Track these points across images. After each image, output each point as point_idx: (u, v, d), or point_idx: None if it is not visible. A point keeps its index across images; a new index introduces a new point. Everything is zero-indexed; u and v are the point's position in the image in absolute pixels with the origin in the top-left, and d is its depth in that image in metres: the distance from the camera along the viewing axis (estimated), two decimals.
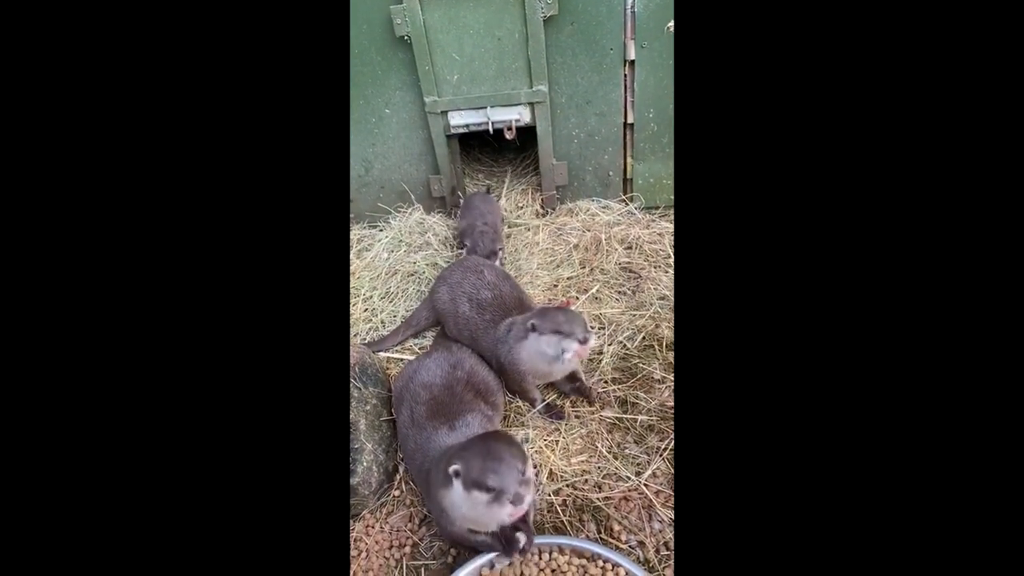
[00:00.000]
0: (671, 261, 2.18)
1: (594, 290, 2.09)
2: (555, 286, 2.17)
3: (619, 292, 2.10)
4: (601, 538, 1.34)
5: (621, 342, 1.87)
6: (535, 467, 1.52)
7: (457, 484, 1.12)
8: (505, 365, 1.61)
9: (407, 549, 1.38)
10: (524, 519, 1.18)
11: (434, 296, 1.89)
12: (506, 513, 1.08)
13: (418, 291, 2.23)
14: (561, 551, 1.25)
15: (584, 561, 1.22)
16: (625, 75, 2.25)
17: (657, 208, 2.50)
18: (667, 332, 1.85)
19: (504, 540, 1.19)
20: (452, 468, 1.12)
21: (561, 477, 1.49)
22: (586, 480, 1.47)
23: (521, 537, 1.19)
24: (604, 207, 2.53)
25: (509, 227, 2.55)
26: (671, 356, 1.77)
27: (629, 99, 2.30)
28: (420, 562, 1.35)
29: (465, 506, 1.13)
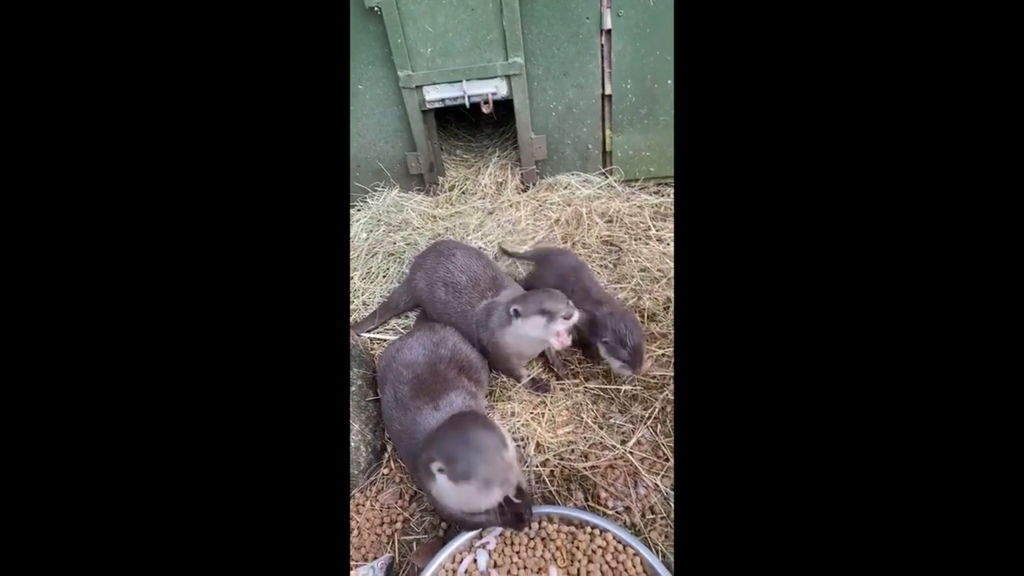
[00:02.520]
0: (651, 233, 2.19)
1: None
2: None
3: (601, 266, 2.11)
4: (588, 505, 1.37)
5: None
6: (522, 440, 1.54)
7: (442, 478, 1.14)
8: (489, 348, 1.62)
9: (398, 525, 1.40)
10: (519, 492, 1.21)
11: (412, 282, 1.87)
12: (497, 497, 1.12)
13: (399, 272, 2.21)
14: (550, 520, 1.28)
15: (572, 528, 1.26)
16: (602, 45, 2.22)
17: (637, 181, 2.50)
18: (648, 303, 1.87)
19: (511, 516, 1.22)
20: (434, 466, 1.13)
21: (548, 448, 1.51)
22: (572, 450, 1.50)
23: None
24: (584, 181, 2.52)
25: (491, 204, 2.53)
26: (653, 327, 1.79)
27: (607, 70, 2.27)
28: (412, 536, 1.37)
29: (454, 496, 1.16)
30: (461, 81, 2.31)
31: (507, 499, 1.17)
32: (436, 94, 2.35)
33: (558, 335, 1.46)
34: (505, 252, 2.17)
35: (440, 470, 1.13)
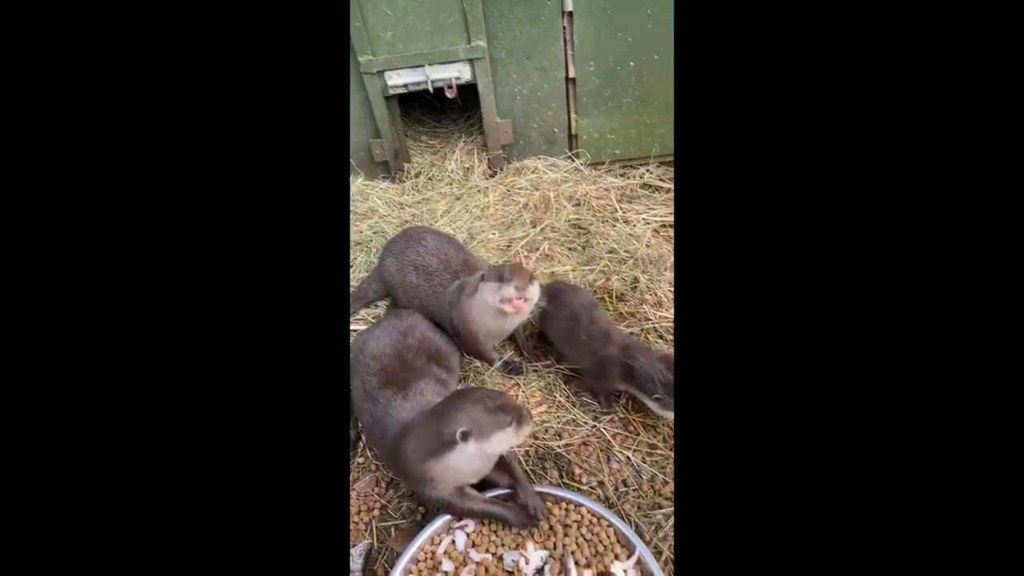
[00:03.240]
0: (618, 215, 2.22)
1: (545, 248, 2.12)
2: (508, 247, 2.18)
3: (569, 248, 2.13)
4: (563, 482, 1.40)
5: None
6: None
7: (468, 445, 1.13)
8: (458, 326, 1.62)
9: (376, 512, 1.40)
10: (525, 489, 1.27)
11: (381, 269, 1.86)
12: (528, 433, 1.19)
13: (367, 261, 2.19)
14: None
15: (548, 504, 1.28)
16: (564, 27, 2.22)
17: (603, 163, 2.52)
18: (616, 284, 1.90)
19: (520, 512, 1.25)
20: (460, 431, 1.12)
21: None
22: (547, 430, 1.53)
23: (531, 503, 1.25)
24: (551, 165, 2.53)
25: (459, 190, 2.52)
26: (621, 307, 1.83)
27: (569, 52, 2.27)
28: (389, 523, 1.38)
29: (469, 461, 1.17)
30: (423, 65, 2.28)
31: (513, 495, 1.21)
32: (398, 79, 2.32)
33: (509, 301, 1.44)
34: None
35: (465, 435, 1.12)
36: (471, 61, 2.27)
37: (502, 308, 1.46)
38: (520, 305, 1.45)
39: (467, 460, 1.16)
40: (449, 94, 2.34)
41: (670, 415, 1.38)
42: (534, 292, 1.48)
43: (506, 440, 1.14)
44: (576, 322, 1.54)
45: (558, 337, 1.61)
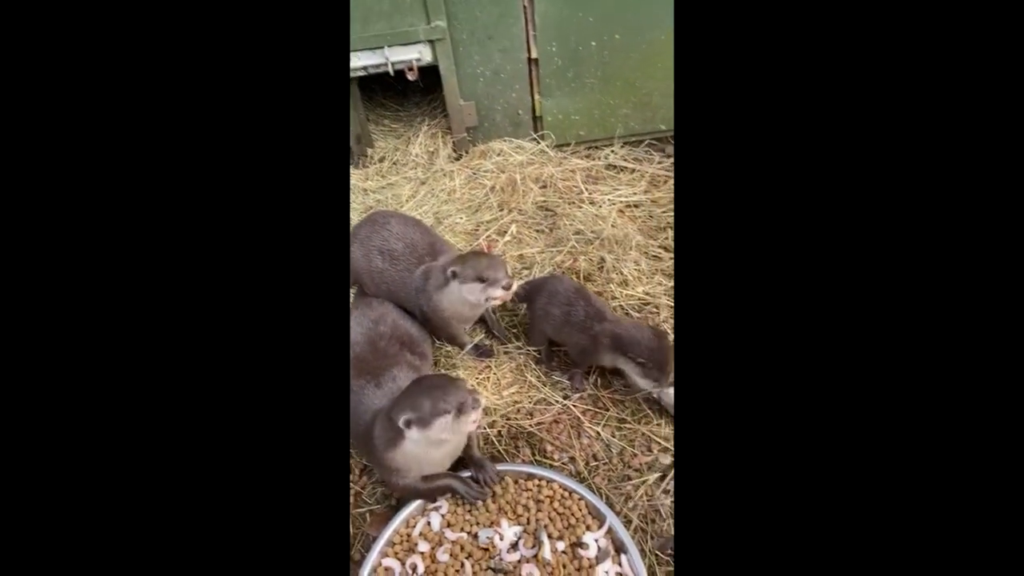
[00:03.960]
0: (584, 196, 2.24)
1: (513, 231, 2.12)
2: (476, 230, 2.17)
3: (537, 231, 2.14)
4: (536, 459, 1.43)
5: None
6: None
7: (412, 434, 1.15)
8: (428, 313, 1.62)
9: (350, 498, 1.41)
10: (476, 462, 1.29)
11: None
12: (473, 420, 1.18)
13: None
14: (501, 478, 1.33)
15: (521, 482, 1.31)
16: (525, 7, 2.19)
17: (568, 145, 2.53)
18: (584, 265, 1.92)
19: (474, 480, 1.28)
20: (403, 420, 1.13)
21: (495, 410, 1.55)
22: (519, 410, 1.55)
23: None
24: (516, 147, 2.52)
25: (424, 174, 2.49)
26: (589, 286, 1.85)
27: (531, 32, 2.26)
28: (364, 508, 1.39)
29: (425, 450, 1.18)
30: (383, 47, 2.22)
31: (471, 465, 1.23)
32: (358, 62, 2.26)
33: (497, 298, 1.48)
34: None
35: (408, 423, 1.13)
36: (431, 42, 2.23)
37: (489, 303, 1.49)
38: (506, 297, 1.49)
39: (419, 448, 1.18)
40: (410, 76, 2.30)
41: (649, 385, 1.40)
42: (515, 284, 1.50)
43: (448, 427, 1.15)
44: (571, 306, 1.53)
45: (554, 326, 1.58)
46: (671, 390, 1.47)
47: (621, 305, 1.77)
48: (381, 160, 2.58)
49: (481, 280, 1.47)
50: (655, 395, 1.47)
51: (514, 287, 1.49)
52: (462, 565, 1.18)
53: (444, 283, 1.53)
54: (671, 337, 1.47)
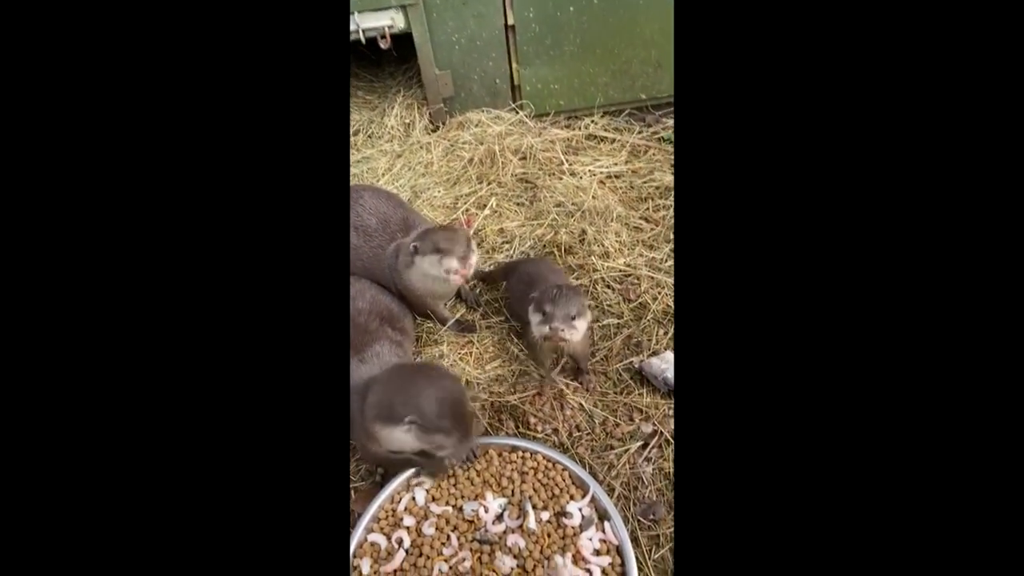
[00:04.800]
0: (564, 168, 2.21)
1: (492, 204, 2.09)
2: (455, 204, 2.14)
3: (517, 204, 2.11)
4: (519, 432, 1.44)
5: (525, 252, 1.91)
6: None
7: (408, 429, 1.16)
8: (402, 290, 1.60)
9: None
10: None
11: None
12: (464, 449, 1.23)
13: None
14: (484, 450, 1.33)
15: (505, 453, 1.32)
16: None
17: (548, 115, 2.48)
18: (565, 238, 1.91)
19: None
20: (408, 419, 1.14)
21: (478, 384, 1.55)
22: (501, 383, 1.55)
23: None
24: (495, 118, 2.46)
25: (400, 147, 2.42)
26: (570, 259, 1.85)
27: None
28: (350, 485, 1.38)
29: (411, 443, 1.19)
30: (352, 13, 2.13)
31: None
32: None
33: (456, 272, 1.45)
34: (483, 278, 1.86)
35: (411, 423, 1.14)
36: (404, 8, 2.14)
37: (448, 279, 1.46)
38: (466, 274, 1.46)
39: (406, 442, 1.19)
40: (383, 45, 2.22)
41: (537, 320, 1.34)
42: (475, 257, 1.47)
43: (441, 446, 1.17)
44: (530, 285, 1.49)
45: (518, 304, 1.55)
46: (654, 360, 1.48)
47: (602, 277, 1.77)
48: (355, 133, 2.50)
49: (438, 251, 1.44)
50: (564, 337, 1.31)
51: (473, 260, 1.46)
52: (448, 538, 1.19)
53: (410, 261, 1.50)
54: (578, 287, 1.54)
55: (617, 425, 1.42)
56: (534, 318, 1.35)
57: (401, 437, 1.18)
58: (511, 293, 1.64)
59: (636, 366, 1.53)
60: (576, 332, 1.32)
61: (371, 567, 1.17)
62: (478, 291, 1.78)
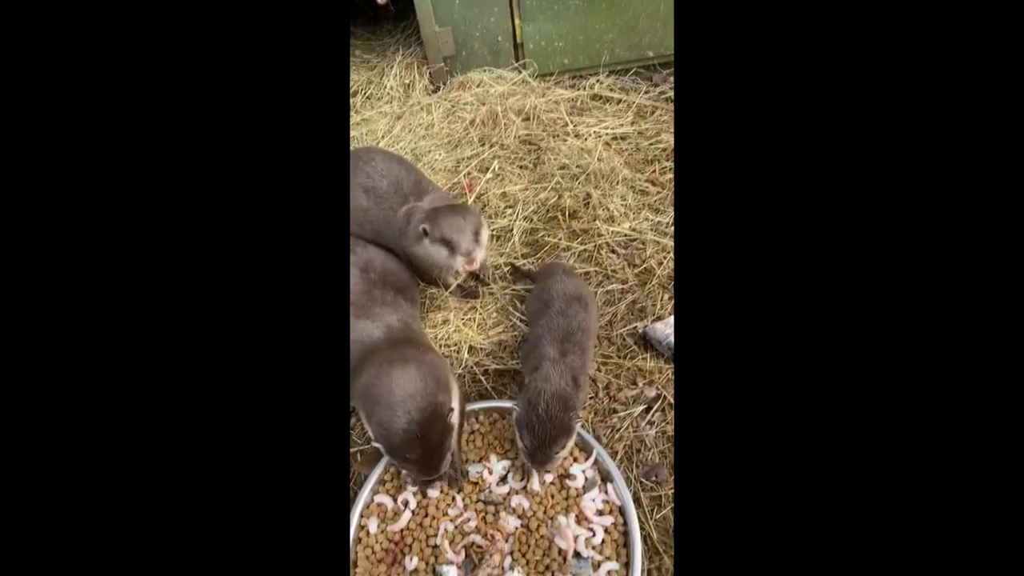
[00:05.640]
0: (568, 129, 2.15)
1: (495, 167, 2.04)
2: (456, 167, 2.09)
3: (520, 167, 2.07)
4: None
5: (528, 217, 1.87)
6: (455, 346, 1.57)
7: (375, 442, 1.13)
8: (410, 257, 1.57)
9: None
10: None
11: None
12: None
13: None
14: (487, 414, 1.34)
15: (508, 417, 1.32)
16: None
17: (552, 75, 2.40)
18: (569, 202, 1.87)
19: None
20: (374, 441, 1.12)
21: (481, 350, 1.55)
22: (504, 348, 1.55)
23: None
24: (497, 78, 2.38)
25: (400, 108, 2.36)
26: (574, 224, 1.81)
27: None
28: (355, 448, 1.40)
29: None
30: None
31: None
32: None
33: (463, 264, 1.42)
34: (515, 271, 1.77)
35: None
36: None
37: (456, 269, 1.45)
38: (473, 268, 1.43)
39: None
40: (380, 0, 2.12)
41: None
42: (482, 253, 1.43)
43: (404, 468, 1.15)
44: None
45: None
46: (658, 325, 1.47)
47: (607, 242, 1.74)
48: (354, 94, 2.43)
49: (444, 243, 1.41)
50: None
51: (479, 255, 1.42)
52: (453, 499, 1.21)
53: (418, 238, 1.47)
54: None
55: (620, 389, 1.42)
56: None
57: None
58: (528, 305, 1.52)
59: (640, 331, 1.52)
60: (559, 460, 1.19)
61: (378, 527, 1.19)
62: (491, 272, 1.74)
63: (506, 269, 1.74)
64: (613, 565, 1.10)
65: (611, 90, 2.32)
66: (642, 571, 1.11)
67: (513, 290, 1.68)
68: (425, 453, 1.07)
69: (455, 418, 1.14)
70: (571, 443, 1.17)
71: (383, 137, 2.21)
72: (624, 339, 1.53)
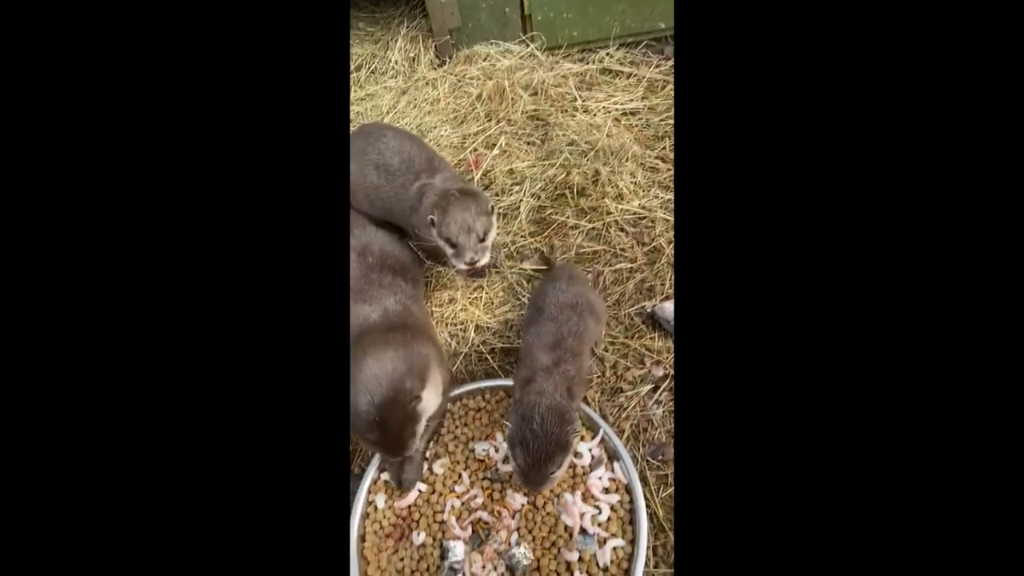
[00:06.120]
0: (577, 104, 2.10)
1: (502, 143, 2.00)
2: (462, 143, 2.05)
3: (528, 143, 2.03)
4: None
5: (535, 194, 1.85)
6: (461, 325, 1.56)
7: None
8: (420, 236, 1.55)
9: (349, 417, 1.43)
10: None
11: None
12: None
13: None
14: (493, 392, 1.34)
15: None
16: None
17: (560, 48, 2.34)
18: (578, 179, 1.83)
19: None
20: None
21: (487, 329, 1.54)
22: (511, 328, 1.54)
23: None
24: (504, 51, 2.32)
25: (405, 83, 2.31)
26: (582, 202, 1.78)
27: None
28: None
29: None
30: None
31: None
32: None
33: (463, 265, 1.38)
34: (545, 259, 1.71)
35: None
36: None
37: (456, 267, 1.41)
38: (476, 271, 1.41)
39: None
40: None
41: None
42: (487, 257, 1.38)
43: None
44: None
45: None
46: (667, 304, 1.45)
47: (616, 220, 1.71)
48: (357, 69, 2.38)
49: (450, 244, 1.37)
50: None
51: (483, 260, 1.37)
52: (459, 476, 1.22)
53: (428, 225, 1.44)
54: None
55: (628, 369, 1.42)
56: (512, 460, 1.10)
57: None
58: (527, 310, 1.40)
59: (648, 310, 1.50)
60: (556, 480, 1.11)
61: (386, 502, 1.20)
62: (504, 254, 1.72)
63: (513, 248, 1.72)
64: (619, 542, 1.11)
65: (621, 64, 2.26)
66: (648, 548, 1.12)
67: (520, 269, 1.67)
68: (384, 437, 1.07)
69: (422, 406, 1.11)
70: (568, 461, 1.10)
71: (388, 112, 2.17)
72: (632, 318, 1.51)
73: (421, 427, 1.13)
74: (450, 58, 2.35)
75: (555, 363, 1.14)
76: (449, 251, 1.39)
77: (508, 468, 1.21)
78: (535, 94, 2.15)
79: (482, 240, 1.37)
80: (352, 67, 2.37)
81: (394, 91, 2.27)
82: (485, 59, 2.30)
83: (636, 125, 2.03)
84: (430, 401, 1.15)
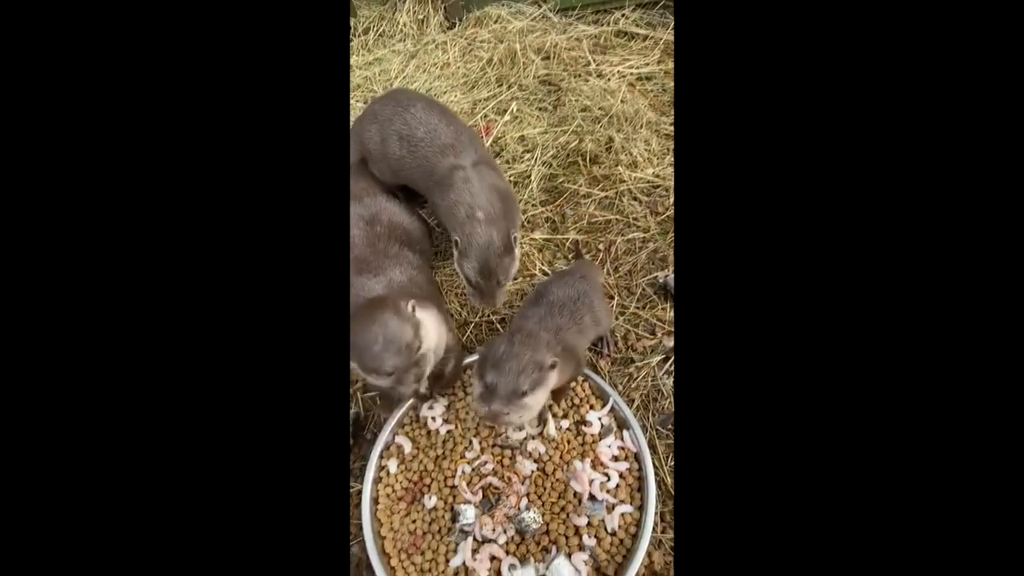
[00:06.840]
0: (591, 68, 2.04)
1: (513, 109, 1.96)
2: (472, 109, 2.01)
3: (540, 109, 1.98)
4: None
5: (547, 162, 1.81)
6: None
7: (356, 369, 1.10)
8: (436, 212, 1.53)
9: (359, 384, 1.44)
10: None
11: (362, 134, 1.63)
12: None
13: None
14: None
15: None
16: None
17: (573, 9, 2.26)
18: (590, 146, 1.80)
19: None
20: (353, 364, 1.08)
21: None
22: (521, 297, 1.53)
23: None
24: (516, 12, 2.25)
25: (414, 46, 2.25)
26: (595, 169, 1.75)
27: None
28: (373, 392, 1.43)
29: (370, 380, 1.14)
30: None
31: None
32: None
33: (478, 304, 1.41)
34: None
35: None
36: None
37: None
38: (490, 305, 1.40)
39: (368, 379, 1.14)
40: None
41: (482, 409, 1.07)
42: (502, 296, 1.38)
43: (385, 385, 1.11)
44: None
45: None
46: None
47: (629, 189, 1.68)
48: (365, 32, 2.32)
49: (468, 281, 1.38)
50: (508, 422, 1.06)
51: (499, 298, 1.37)
52: (470, 443, 1.23)
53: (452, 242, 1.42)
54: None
55: (639, 339, 1.41)
56: (476, 387, 1.04)
57: (361, 375, 1.12)
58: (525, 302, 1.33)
59: (660, 281, 1.49)
60: (525, 412, 1.00)
61: (398, 467, 1.22)
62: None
63: (525, 218, 1.70)
64: (627, 508, 1.12)
65: (637, 25, 2.18)
66: (656, 513, 1.13)
67: (532, 239, 1.65)
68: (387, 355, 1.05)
69: (423, 331, 1.10)
70: (546, 390, 1.05)
71: (396, 77, 2.12)
72: (644, 289, 1.50)
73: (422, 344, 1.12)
74: (460, 20, 2.28)
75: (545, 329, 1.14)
76: (468, 288, 1.40)
77: (519, 435, 1.22)
78: (547, 58, 2.09)
79: (500, 284, 1.36)
80: (360, 30, 2.31)
81: (403, 55, 2.22)
82: (496, 21, 2.23)
83: (651, 90, 1.97)
84: (430, 330, 1.14)
